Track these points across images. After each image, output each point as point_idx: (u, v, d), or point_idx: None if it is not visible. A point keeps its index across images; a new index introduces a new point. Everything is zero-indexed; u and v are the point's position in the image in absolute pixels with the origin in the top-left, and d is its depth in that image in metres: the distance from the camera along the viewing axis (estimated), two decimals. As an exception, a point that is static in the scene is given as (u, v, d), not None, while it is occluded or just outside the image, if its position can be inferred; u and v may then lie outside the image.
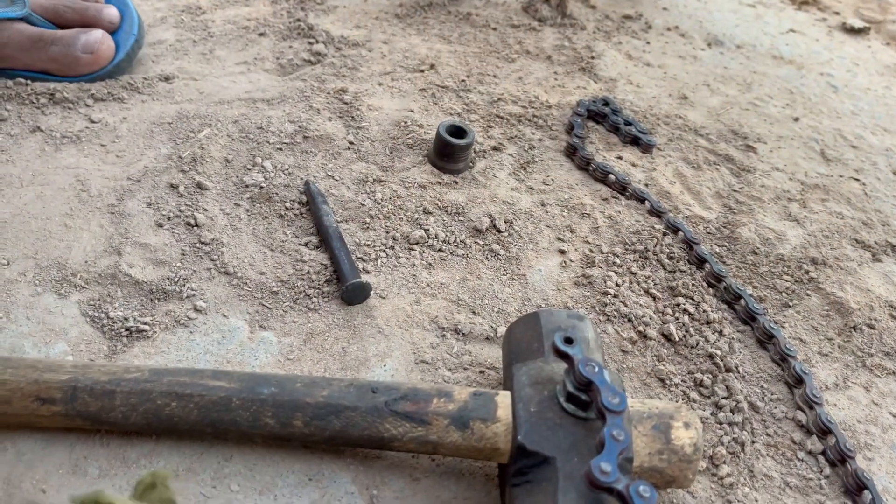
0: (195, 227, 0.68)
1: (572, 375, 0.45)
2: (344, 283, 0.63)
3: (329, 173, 0.78)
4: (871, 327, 0.75)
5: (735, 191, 0.93)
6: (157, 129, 0.79)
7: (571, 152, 0.91)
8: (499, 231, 0.76)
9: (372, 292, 0.66)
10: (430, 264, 0.70)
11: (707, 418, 0.61)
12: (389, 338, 0.62)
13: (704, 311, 0.71)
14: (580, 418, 0.46)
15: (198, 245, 0.66)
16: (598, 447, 0.42)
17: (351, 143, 0.84)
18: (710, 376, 0.64)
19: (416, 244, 0.72)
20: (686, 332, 0.69)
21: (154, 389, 0.47)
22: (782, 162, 1.02)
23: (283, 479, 0.50)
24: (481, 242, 0.74)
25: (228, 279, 0.64)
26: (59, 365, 0.48)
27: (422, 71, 1.03)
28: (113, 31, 0.86)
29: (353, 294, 0.63)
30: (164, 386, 0.47)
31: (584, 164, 0.89)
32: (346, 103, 0.90)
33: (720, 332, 0.69)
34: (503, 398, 0.48)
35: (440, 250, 0.72)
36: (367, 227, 0.72)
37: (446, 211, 0.76)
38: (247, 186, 0.74)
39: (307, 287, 0.64)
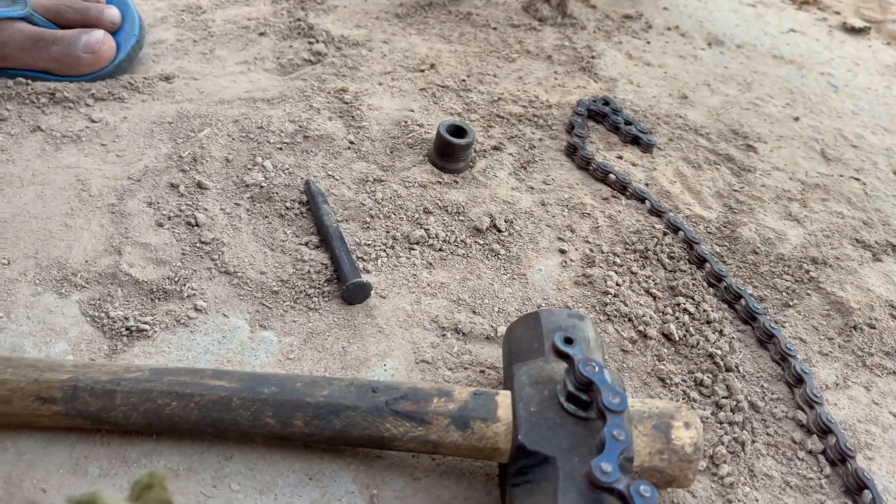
0: (195, 227, 0.68)
1: (572, 375, 0.45)
2: (344, 282, 0.63)
3: (329, 173, 0.78)
4: (872, 327, 0.75)
5: (735, 190, 0.93)
6: (158, 129, 0.79)
7: (572, 152, 0.91)
8: (499, 231, 0.76)
9: (372, 292, 0.66)
10: (430, 264, 0.70)
11: (707, 418, 0.61)
12: (390, 337, 0.62)
13: (705, 310, 0.71)
14: (580, 418, 0.46)
15: (198, 245, 0.66)
16: (598, 447, 0.42)
17: (351, 142, 0.84)
18: (711, 376, 0.64)
19: (417, 244, 0.72)
20: (686, 331, 0.69)
21: (154, 389, 0.47)
22: (783, 161, 1.02)
23: (284, 478, 0.50)
24: (481, 242, 0.74)
25: (229, 279, 0.64)
26: (59, 364, 0.48)
27: (422, 70, 1.03)
28: (114, 32, 0.86)
29: (353, 294, 0.63)
30: (164, 385, 0.47)
31: (585, 164, 0.89)
32: (346, 103, 0.90)
33: (720, 332, 0.69)
34: (503, 398, 0.49)
35: (440, 250, 0.72)
36: (368, 227, 0.72)
37: (447, 210, 0.76)
38: (247, 186, 0.74)
39: (307, 287, 0.64)
